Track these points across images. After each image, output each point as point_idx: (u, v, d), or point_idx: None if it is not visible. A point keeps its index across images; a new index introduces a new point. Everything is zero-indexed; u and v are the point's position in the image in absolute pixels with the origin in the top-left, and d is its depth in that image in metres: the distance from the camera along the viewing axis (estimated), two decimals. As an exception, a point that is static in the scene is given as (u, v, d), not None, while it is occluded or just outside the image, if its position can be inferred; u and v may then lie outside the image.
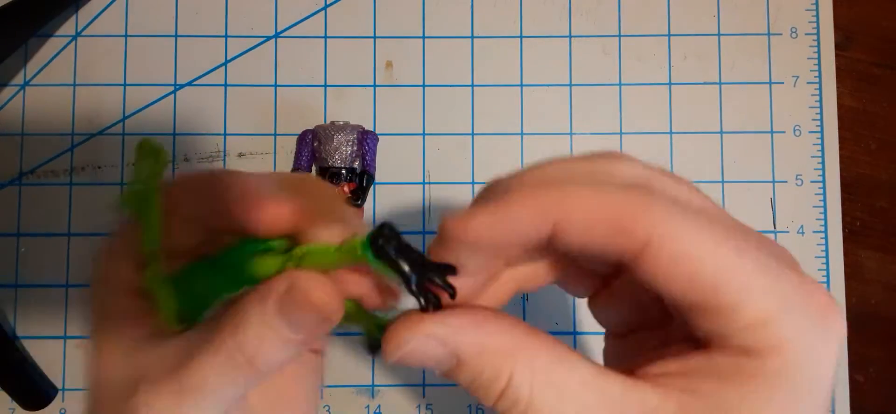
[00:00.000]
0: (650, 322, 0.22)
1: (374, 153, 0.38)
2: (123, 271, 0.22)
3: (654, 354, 0.20)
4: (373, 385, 0.38)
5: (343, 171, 0.37)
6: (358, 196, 0.38)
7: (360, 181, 0.37)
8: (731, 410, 0.18)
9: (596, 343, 0.39)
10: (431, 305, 0.19)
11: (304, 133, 0.38)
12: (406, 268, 0.18)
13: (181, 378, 0.20)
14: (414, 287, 0.18)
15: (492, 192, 0.20)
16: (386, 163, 0.39)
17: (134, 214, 0.21)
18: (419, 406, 0.38)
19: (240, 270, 0.21)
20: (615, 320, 0.24)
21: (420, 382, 0.38)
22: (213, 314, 0.21)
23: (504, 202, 0.19)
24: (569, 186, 0.19)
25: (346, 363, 0.39)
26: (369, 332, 0.21)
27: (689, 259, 0.18)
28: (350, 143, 0.37)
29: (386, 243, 0.18)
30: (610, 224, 0.18)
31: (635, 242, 0.18)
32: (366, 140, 0.37)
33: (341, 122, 0.38)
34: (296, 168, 0.38)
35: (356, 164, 0.37)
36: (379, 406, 0.38)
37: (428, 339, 0.19)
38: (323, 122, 0.39)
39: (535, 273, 0.22)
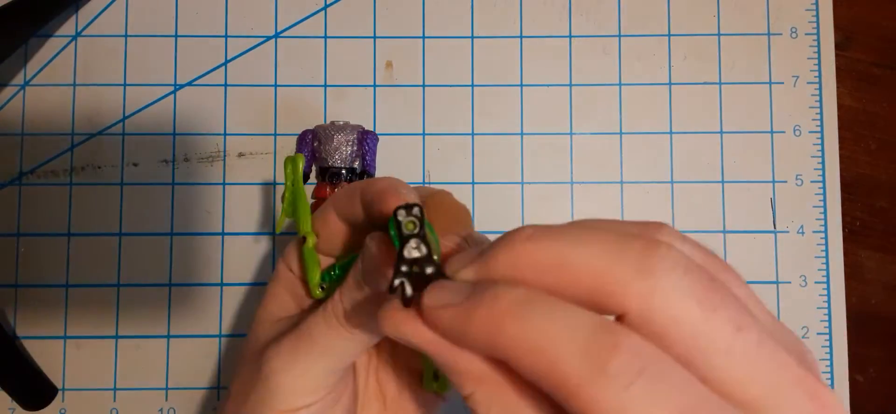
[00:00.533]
0: None
1: (375, 153, 0.38)
2: (282, 267, 0.28)
3: None
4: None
5: (343, 171, 0.37)
6: None
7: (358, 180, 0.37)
8: None
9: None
10: (399, 295, 0.19)
11: (304, 133, 0.38)
12: (405, 252, 0.19)
13: (302, 336, 0.25)
14: (399, 268, 0.19)
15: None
16: (386, 163, 0.39)
17: (289, 211, 0.28)
18: (419, 406, 0.38)
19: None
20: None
21: (420, 382, 0.38)
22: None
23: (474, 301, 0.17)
24: (567, 251, 0.17)
25: (346, 363, 0.39)
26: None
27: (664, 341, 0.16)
28: (350, 143, 0.37)
29: (403, 219, 0.20)
30: (585, 297, 0.17)
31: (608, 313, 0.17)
32: (366, 140, 0.37)
33: (341, 122, 0.37)
34: None
35: (356, 165, 0.37)
36: (379, 406, 0.38)
37: (410, 329, 0.19)
38: (323, 123, 0.39)
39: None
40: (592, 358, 0.15)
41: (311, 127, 0.38)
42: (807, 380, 0.17)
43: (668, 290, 0.16)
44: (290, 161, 0.29)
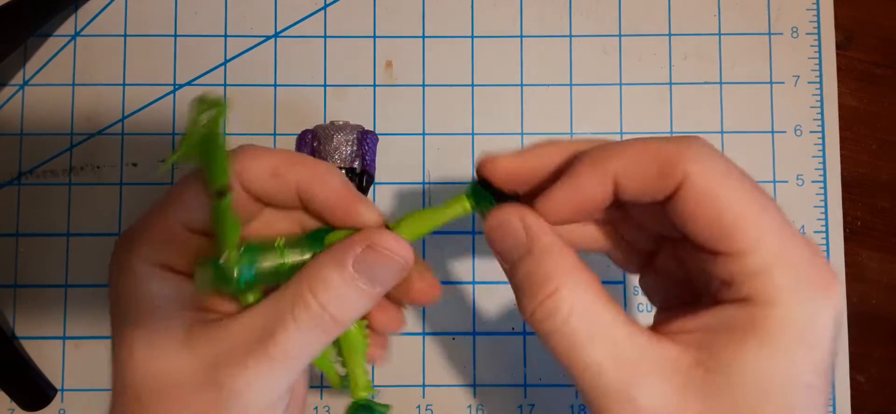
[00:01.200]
0: (687, 296, 0.25)
1: (374, 153, 0.38)
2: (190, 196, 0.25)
3: (679, 314, 0.23)
4: (373, 385, 0.38)
5: (343, 171, 0.37)
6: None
7: (360, 181, 0.37)
8: (732, 362, 0.21)
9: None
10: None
11: (304, 133, 0.38)
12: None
13: (269, 347, 0.22)
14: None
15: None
16: (386, 162, 0.39)
17: (198, 157, 0.23)
18: (419, 406, 0.38)
19: (314, 242, 0.24)
20: (661, 295, 0.27)
21: (420, 382, 0.38)
22: (279, 286, 0.24)
23: (579, 172, 0.23)
24: (622, 146, 0.23)
25: (346, 364, 0.39)
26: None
27: (717, 199, 0.21)
28: (350, 143, 0.37)
29: (483, 189, 0.25)
30: (656, 167, 0.22)
31: (674, 181, 0.21)
32: (365, 140, 0.37)
33: (341, 122, 0.37)
34: None
35: (356, 164, 0.37)
36: (379, 406, 0.38)
37: (518, 219, 0.24)
38: (323, 122, 0.39)
39: (594, 235, 0.26)
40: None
41: (310, 127, 0.38)
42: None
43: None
44: (212, 102, 0.22)
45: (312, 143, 0.37)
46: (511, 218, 0.24)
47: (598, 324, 0.22)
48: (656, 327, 0.23)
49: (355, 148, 0.37)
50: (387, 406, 0.27)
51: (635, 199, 0.23)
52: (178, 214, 0.24)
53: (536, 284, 0.22)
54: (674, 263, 0.25)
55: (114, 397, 0.24)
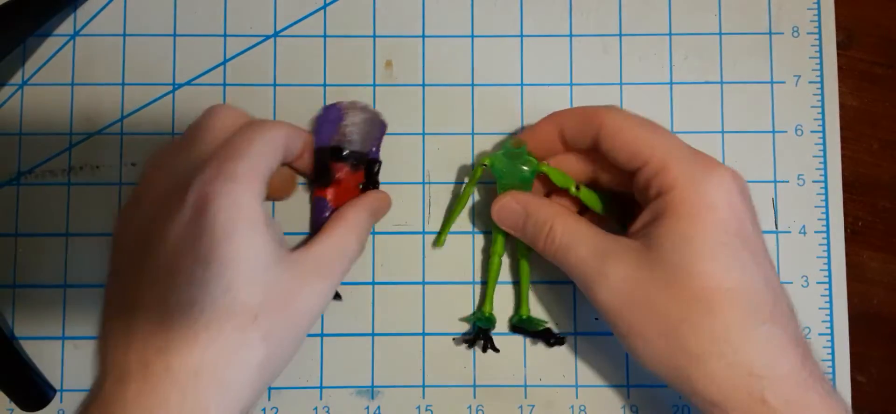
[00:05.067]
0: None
1: (381, 141, 0.38)
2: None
3: (635, 222, 0.32)
4: (372, 385, 0.38)
5: (350, 154, 0.37)
6: (371, 180, 0.38)
7: (370, 167, 0.38)
8: (660, 237, 0.30)
9: (594, 343, 0.39)
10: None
11: (330, 107, 0.38)
12: None
13: (333, 273, 0.33)
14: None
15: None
16: (386, 162, 0.39)
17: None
18: (419, 407, 0.38)
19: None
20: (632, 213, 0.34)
21: (420, 383, 0.38)
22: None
23: (540, 123, 0.36)
24: (561, 111, 0.35)
25: (347, 363, 0.38)
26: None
27: (622, 132, 0.32)
28: (376, 125, 0.38)
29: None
30: (582, 119, 0.33)
31: (594, 127, 0.33)
32: (382, 126, 0.38)
33: (361, 104, 0.38)
34: (319, 143, 0.37)
35: (373, 148, 0.38)
36: (379, 406, 0.38)
37: (512, 200, 0.35)
38: (345, 101, 0.39)
39: (587, 171, 0.35)
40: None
41: (335, 102, 0.38)
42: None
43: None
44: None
45: (338, 118, 0.37)
46: (508, 201, 0.35)
47: (581, 235, 0.32)
48: (624, 234, 0.32)
49: (375, 131, 0.38)
50: (543, 322, 0.38)
51: (576, 140, 0.34)
52: (270, 162, 0.31)
53: (538, 229, 0.34)
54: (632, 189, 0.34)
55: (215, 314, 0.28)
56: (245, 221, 0.28)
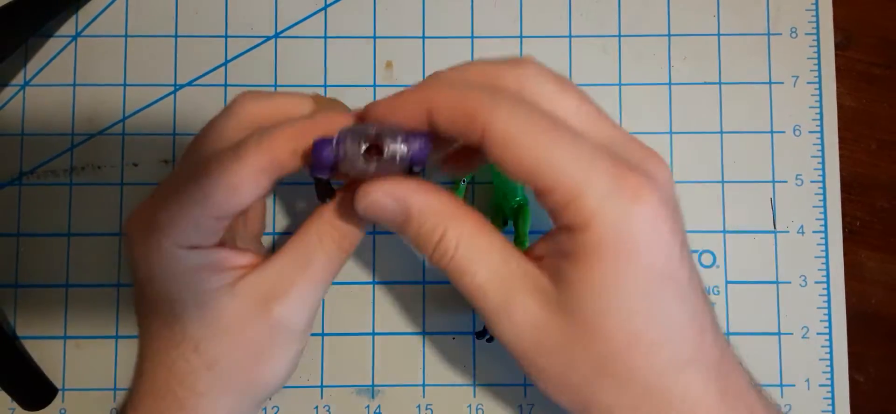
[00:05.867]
0: None
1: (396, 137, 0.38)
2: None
3: (544, 238, 0.27)
4: (373, 385, 0.38)
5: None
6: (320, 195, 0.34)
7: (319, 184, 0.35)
8: (573, 282, 0.24)
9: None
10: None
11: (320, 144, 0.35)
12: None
13: (305, 283, 0.29)
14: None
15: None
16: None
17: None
18: (419, 406, 0.38)
19: None
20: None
21: (420, 382, 0.39)
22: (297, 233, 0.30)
23: (402, 96, 0.26)
24: (440, 87, 0.26)
25: (346, 363, 0.39)
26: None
27: (513, 148, 0.23)
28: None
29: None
30: (463, 116, 0.24)
31: (477, 133, 0.24)
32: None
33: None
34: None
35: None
36: (379, 406, 0.38)
37: (386, 195, 0.25)
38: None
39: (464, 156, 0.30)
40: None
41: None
42: (631, 142, 0.26)
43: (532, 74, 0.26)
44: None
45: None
46: (378, 196, 0.26)
47: (480, 253, 0.25)
48: (530, 250, 0.27)
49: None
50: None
51: (450, 136, 0.25)
52: (206, 210, 0.27)
53: (426, 235, 0.26)
54: None
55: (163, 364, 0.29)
56: (159, 275, 0.28)
